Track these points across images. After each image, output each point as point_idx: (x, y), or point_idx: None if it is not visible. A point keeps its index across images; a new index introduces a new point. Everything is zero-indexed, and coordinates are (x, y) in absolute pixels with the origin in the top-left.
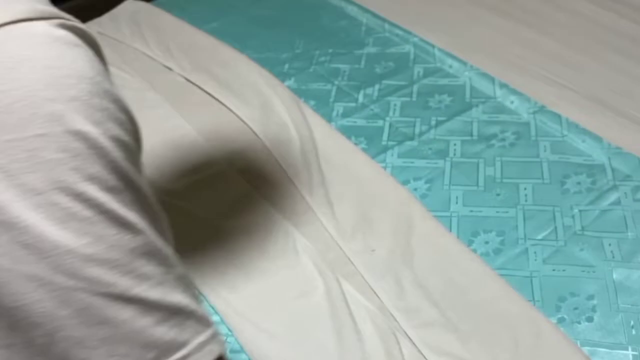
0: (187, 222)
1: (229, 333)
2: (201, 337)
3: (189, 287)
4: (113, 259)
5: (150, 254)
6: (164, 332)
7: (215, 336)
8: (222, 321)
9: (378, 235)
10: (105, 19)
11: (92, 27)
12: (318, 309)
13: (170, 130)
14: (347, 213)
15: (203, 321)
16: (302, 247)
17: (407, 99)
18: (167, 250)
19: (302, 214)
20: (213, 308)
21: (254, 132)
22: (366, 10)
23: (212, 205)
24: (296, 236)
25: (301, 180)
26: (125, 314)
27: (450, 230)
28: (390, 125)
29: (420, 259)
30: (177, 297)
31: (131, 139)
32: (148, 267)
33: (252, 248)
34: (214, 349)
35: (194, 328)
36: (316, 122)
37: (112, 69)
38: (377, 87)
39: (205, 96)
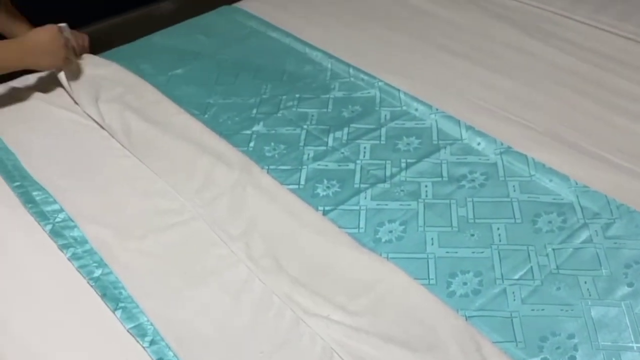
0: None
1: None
2: None
3: None
4: None
5: None
6: None
7: None
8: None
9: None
10: None
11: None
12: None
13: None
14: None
15: None
16: None
17: (376, 141)
18: None
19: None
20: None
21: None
22: (330, 56)
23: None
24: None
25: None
26: None
27: (428, 272)
28: (362, 168)
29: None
30: None
31: None
32: None
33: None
34: None
35: None
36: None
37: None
38: (346, 130)
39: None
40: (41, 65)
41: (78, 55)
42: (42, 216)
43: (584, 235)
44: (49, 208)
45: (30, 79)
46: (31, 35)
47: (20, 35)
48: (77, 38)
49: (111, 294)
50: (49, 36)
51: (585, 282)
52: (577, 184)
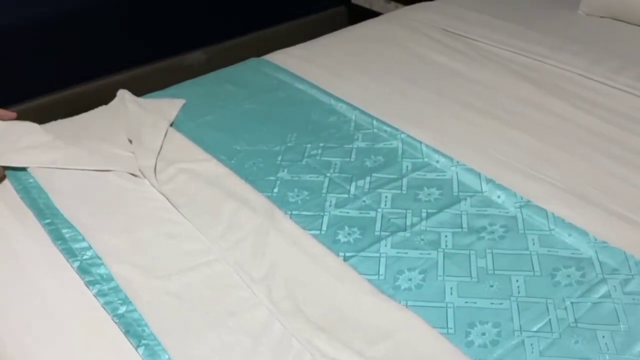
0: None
1: None
2: None
3: None
4: None
5: None
6: None
7: None
8: None
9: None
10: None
11: None
12: None
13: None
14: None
15: None
16: None
17: (398, 191)
18: None
19: None
20: None
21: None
22: (355, 108)
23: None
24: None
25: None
26: None
27: (447, 321)
28: (383, 217)
29: None
30: None
31: None
32: None
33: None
34: None
35: None
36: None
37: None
38: (368, 179)
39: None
40: None
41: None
42: (70, 253)
43: (602, 290)
44: (77, 245)
45: (62, 123)
46: None
47: None
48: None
49: (134, 330)
50: None
51: (604, 337)
52: (596, 239)
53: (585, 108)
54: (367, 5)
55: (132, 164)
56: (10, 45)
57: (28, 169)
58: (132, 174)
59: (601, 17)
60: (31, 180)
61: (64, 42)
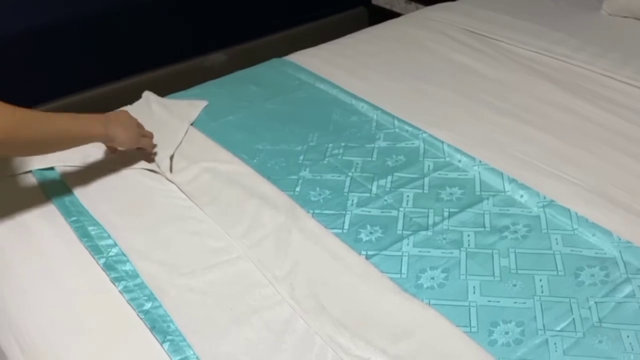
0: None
1: None
2: None
3: None
4: None
5: None
6: None
7: None
8: None
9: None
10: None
11: None
12: None
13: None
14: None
15: None
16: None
17: (419, 190)
18: None
19: None
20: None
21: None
22: (376, 108)
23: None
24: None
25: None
26: None
27: (470, 320)
28: (405, 216)
29: None
30: None
31: None
32: None
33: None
34: None
35: None
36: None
37: None
38: (389, 179)
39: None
40: (119, 137)
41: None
42: (96, 250)
43: (626, 289)
44: (103, 243)
45: None
46: (111, 113)
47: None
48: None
49: (160, 326)
50: (126, 115)
51: (628, 337)
52: (620, 239)
53: (608, 108)
54: (387, 6)
55: (154, 161)
56: (35, 47)
57: (54, 168)
58: (155, 172)
59: (624, 17)
60: (57, 178)
61: (87, 45)
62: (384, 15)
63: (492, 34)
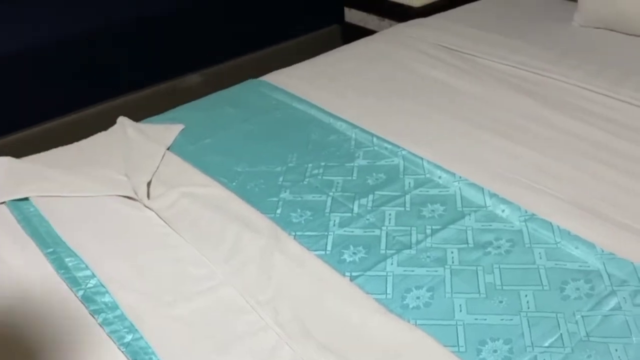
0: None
1: None
2: None
3: None
4: None
5: None
6: None
7: None
8: None
9: None
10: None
11: None
12: None
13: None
14: None
15: None
16: None
17: (401, 208)
18: None
19: None
20: None
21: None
22: (354, 126)
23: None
24: None
25: None
26: None
27: (457, 339)
28: (387, 234)
29: None
30: None
31: None
32: None
33: None
34: None
35: None
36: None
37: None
38: (370, 197)
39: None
40: None
41: None
42: (74, 282)
43: (612, 302)
44: (81, 274)
45: (63, 149)
46: None
47: None
48: None
49: (142, 359)
50: None
51: (617, 350)
52: (603, 251)
53: (587, 120)
54: (361, 24)
55: (131, 188)
56: (2, 74)
57: (29, 198)
58: (132, 199)
59: (596, 27)
60: (32, 209)
61: (59, 71)
62: (358, 32)
63: (467, 49)
